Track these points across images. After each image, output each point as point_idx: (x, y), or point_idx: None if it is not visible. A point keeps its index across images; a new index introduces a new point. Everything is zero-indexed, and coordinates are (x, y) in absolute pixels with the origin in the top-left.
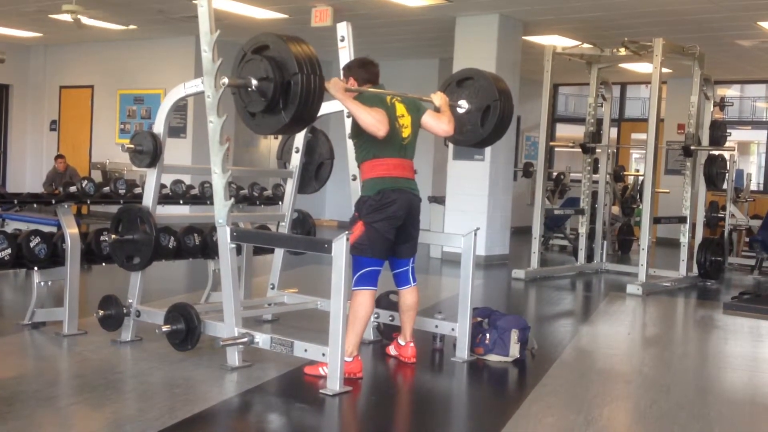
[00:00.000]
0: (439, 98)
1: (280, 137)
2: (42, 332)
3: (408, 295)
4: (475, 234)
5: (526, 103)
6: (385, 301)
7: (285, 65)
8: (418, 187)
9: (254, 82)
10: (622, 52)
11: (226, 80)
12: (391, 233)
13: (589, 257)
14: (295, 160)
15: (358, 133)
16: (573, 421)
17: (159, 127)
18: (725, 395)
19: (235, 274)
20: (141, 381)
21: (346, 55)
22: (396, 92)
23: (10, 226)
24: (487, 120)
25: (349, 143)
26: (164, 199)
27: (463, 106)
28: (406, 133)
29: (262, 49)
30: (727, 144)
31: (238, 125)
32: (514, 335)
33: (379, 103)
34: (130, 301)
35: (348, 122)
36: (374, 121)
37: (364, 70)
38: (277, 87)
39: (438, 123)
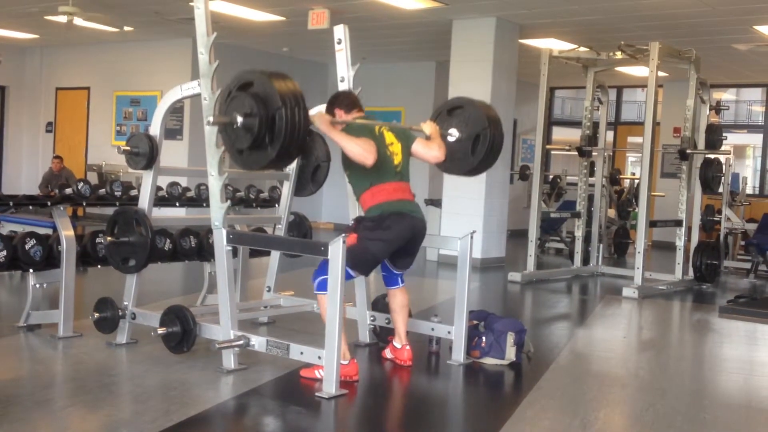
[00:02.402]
0: (429, 127)
1: None
2: (37, 335)
3: (398, 295)
4: (472, 237)
5: (522, 106)
6: (381, 304)
7: (269, 100)
8: (420, 209)
9: (239, 118)
10: (619, 55)
11: (211, 119)
12: (383, 255)
13: (585, 260)
14: (292, 162)
15: (349, 164)
16: (569, 425)
17: (155, 129)
18: (721, 399)
19: (231, 277)
20: (136, 384)
21: (343, 57)
22: (384, 122)
23: (6, 228)
24: (477, 148)
25: None
26: (160, 201)
27: (454, 134)
28: (397, 159)
29: (247, 86)
30: (723, 147)
31: None
32: (510, 338)
33: (367, 133)
34: (125, 303)
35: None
36: (361, 151)
37: (345, 98)
38: (262, 122)
39: (428, 150)
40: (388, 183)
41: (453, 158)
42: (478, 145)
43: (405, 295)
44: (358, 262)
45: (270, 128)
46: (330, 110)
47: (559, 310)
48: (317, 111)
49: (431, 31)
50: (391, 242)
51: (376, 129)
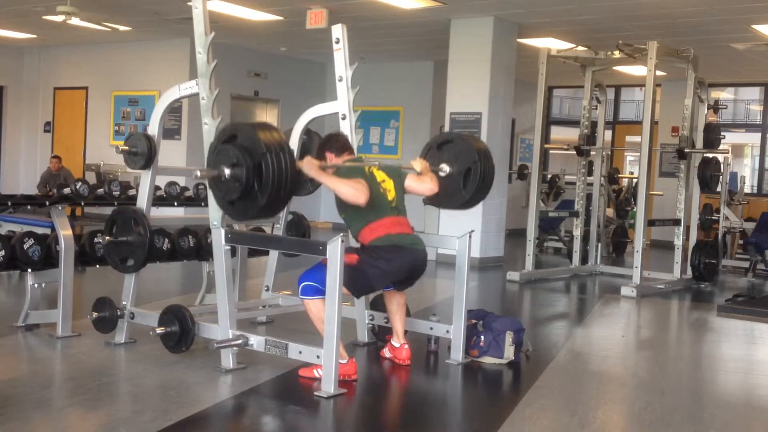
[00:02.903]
0: (419, 164)
1: None
2: (36, 334)
3: (395, 295)
4: (470, 236)
5: (520, 105)
6: (380, 303)
7: (254, 150)
8: (422, 242)
9: (227, 170)
10: (617, 54)
11: (198, 173)
12: (379, 285)
13: (584, 259)
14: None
15: (344, 207)
16: (567, 424)
17: (153, 128)
18: (719, 397)
19: (229, 276)
20: (135, 383)
21: (341, 57)
22: (374, 163)
23: (4, 228)
24: (468, 182)
25: None
26: (159, 200)
27: (445, 169)
28: (391, 195)
29: (231, 139)
30: (721, 147)
31: None
32: (509, 337)
33: (357, 174)
34: (124, 303)
35: (343, 124)
36: (353, 191)
37: (335, 141)
38: (249, 170)
39: (421, 183)
40: (385, 218)
41: (446, 193)
42: (469, 179)
43: (402, 295)
44: (353, 283)
45: (257, 176)
46: (321, 153)
47: (558, 310)
48: (306, 158)
49: (429, 31)
50: (391, 274)
51: (366, 169)
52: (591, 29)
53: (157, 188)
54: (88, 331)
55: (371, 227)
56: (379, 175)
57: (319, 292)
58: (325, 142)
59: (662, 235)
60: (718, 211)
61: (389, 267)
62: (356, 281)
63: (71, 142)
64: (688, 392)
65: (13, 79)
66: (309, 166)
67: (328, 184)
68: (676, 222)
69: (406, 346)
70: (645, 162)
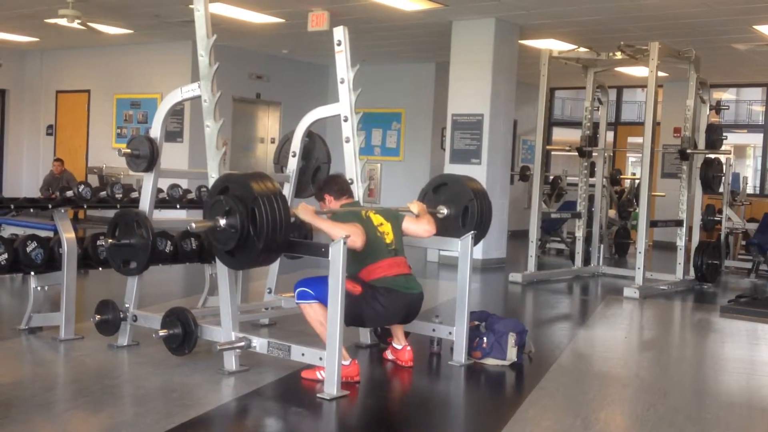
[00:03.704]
0: (416, 207)
1: (276, 140)
2: (39, 337)
3: None
4: (473, 237)
5: (522, 106)
6: None
7: (246, 196)
8: (418, 284)
9: (221, 220)
10: (618, 55)
11: (193, 225)
12: (372, 325)
13: (586, 261)
14: (292, 164)
15: None
16: (570, 425)
17: (156, 131)
18: (722, 398)
19: (232, 279)
20: (138, 386)
21: (342, 59)
22: (371, 207)
23: (7, 231)
24: (467, 221)
25: (347, 147)
26: (161, 203)
27: (442, 211)
28: (389, 239)
29: (224, 191)
30: (723, 147)
31: (235, 129)
32: (512, 339)
33: (354, 218)
34: (126, 305)
35: (345, 126)
36: (348, 235)
37: (334, 184)
38: (243, 216)
39: (419, 225)
40: (383, 260)
41: (446, 234)
42: (467, 217)
43: None
44: (352, 314)
45: (252, 222)
46: (320, 195)
47: (560, 311)
48: (301, 205)
49: (431, 33)
50: (387, 316)
51: (363, 213)
52: (593, 30)
53: (160, 191)
54: (91, 334)
55: (369, 269)
56: (376, 219)
57: (315, 297)
58: (325, 184)
59: (665, 236)
60: (720, 211)
61: (384, 311)
62: (352, 313)
63: (73, 145)
64: (690, 393)
65: (15, 83)
66: (304, 211)
67: (324, 228)
68: (679, 223)
69: (409, 347)
70: (647, 163)
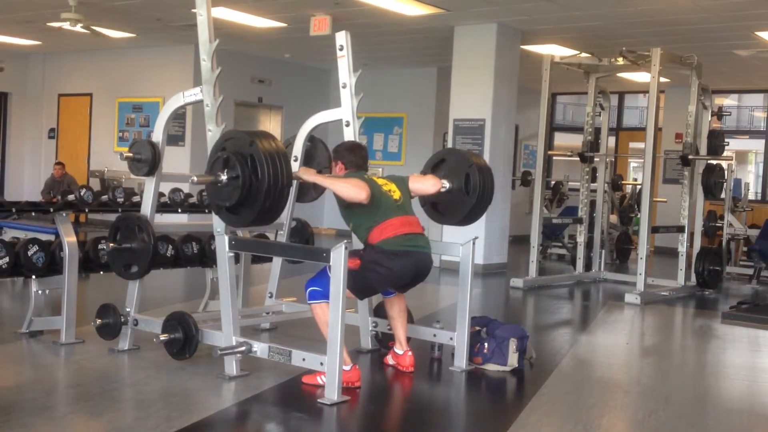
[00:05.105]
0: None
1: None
2: (39, 341)
3: (395, 302)
4: (474, 243)
5: (524, 112)
6: (383, 310)
7: (247, 150)
8: (428, 243)
9: (223, 176)
10: (620, 61)
11: (195, 178)
12: (381, 288)
13: (588, 266)
14: (294, 168)
15: (350, 213)
16: (571, 431)
17: (158, 135)
18: (723, 405)
19: (233, 283)
20: (138, 390)
21: (344, 64)
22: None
23: (8, 235)
24: (470, 187)
25: None
26: (162, 207)
27: (445, 185)
28: (396, 195)
29: (225, 149)
30: (725, 153)
31: None
32: (513, 344)
33: (356, 176)
34: (127, 309)
35: (347, 131)
36: (351, 186)
37: (352, 154)
38: (245, 169)
39: (424, 180)
40: (395, 218)
41: (451, 207)
42: (470, 184)
43: (402, 301)
44: (356, 286)
45: (254, 175)
46: (335, 157)
47: (562, 316)
48: (302, 167)
49: (433, 38)
50: (393, 278)
51: (365, 176)
52: (594, 36)
53: (161, 195)
54: (91, 338)
55: (380, 228)
56: (380, 180)
57: (326, 296)
58: (343, 149)
59: (666, 242)
60: (722, 217)
61: (391, 272)
62: (358, 284)
63: (75, 149)
64: (692, 399)
65: (17, 86)
66: (306, 172)
67: (326, 184)
68: (680, 229)
69: (410, 353)
70: (648, 168)
